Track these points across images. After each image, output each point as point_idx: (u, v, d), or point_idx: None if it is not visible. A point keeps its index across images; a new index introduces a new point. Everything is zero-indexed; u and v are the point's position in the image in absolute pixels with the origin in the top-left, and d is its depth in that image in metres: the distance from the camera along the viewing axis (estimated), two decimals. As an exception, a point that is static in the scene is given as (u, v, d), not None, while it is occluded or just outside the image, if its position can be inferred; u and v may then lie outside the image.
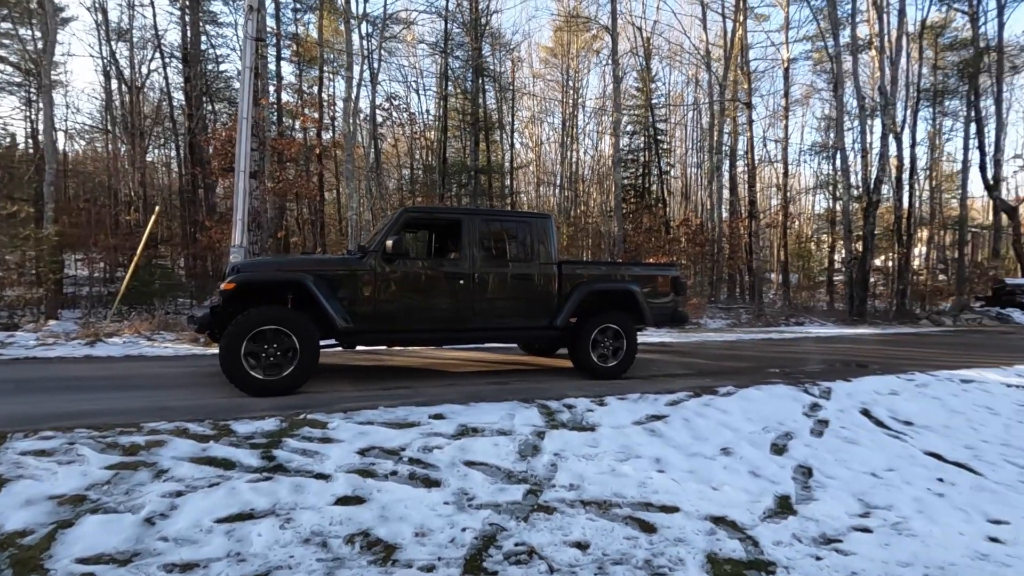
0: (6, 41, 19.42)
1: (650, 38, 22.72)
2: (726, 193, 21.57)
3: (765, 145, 25.82)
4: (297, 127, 18.38)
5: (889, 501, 3.23)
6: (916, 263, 25.44)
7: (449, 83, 20.45)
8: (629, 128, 22.62)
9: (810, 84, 26.29)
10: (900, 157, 19.42)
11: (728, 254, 19.81)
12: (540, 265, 5.62)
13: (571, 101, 26.35)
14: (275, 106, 17.21)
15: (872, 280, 19.27)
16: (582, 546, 2.50)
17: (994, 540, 2.88)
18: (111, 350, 7.18)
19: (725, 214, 21.31)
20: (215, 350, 7.28)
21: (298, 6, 19.81)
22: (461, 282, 5.25)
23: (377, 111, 17.89)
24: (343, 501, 2.71)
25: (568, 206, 25.33)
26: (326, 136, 18.83)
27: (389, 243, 4.87)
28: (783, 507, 3.09)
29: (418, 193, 21.52)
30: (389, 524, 2.56)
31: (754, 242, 20.48)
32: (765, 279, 25.45)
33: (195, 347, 7.77)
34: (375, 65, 17.55)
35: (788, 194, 23.63)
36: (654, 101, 22.36)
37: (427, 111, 23.52)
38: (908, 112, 20.24)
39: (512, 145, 24.28)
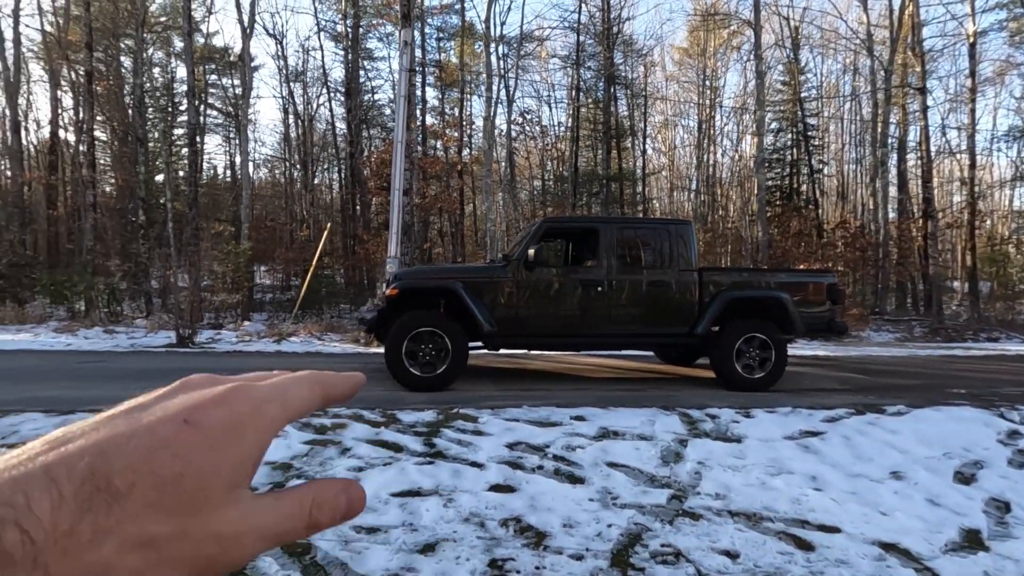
0: (213, 90, 23.61)
1: (798, 27, 20.98)
2: (893, 191, 19.08)
3: (944, 134, 22.41)
4: (439, 146, 19.85)
5: (1119, 549, 2.71)
6: None
7: (581, 94, 20.71)
8: (774, 125, 21.05)
9: (1005, 59, 22.24)
10: None
11: (896, 259, 17.50)
12: (679, 272, 5.52)
13: (708, 102, 25.20)
14: (420, 128, 18.78)
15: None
16: (731, 555, 2.47)
17: None
18: (294, 347, 8.38)
19: (892, 214, 18.88)
20: (375, 349, 8.17)
21: (441, 35, 21.45)
22: (598, 289, 5.35)
23: (512, 126, 18.71)
24: (496, 488, 2.96)
25: (704, 211, 24.19)
26: (465, 153, 20.08)
27: (531, 252, 5.13)
28: (971, 541, 2.74)
29: (550, 203, 22.01)
30: (538, 513, 2.74)
31: (930, 245, 17.81)
32: (946, 288, 21.98)
33: (358, 347, 8.76)
34: (511, 83, 18.38)
35: (976, 189, 20.22)
36: (803, 94, 20.59)
37: (559, 123, 24.03)
38: None
39: (644, 151, 23.86)
